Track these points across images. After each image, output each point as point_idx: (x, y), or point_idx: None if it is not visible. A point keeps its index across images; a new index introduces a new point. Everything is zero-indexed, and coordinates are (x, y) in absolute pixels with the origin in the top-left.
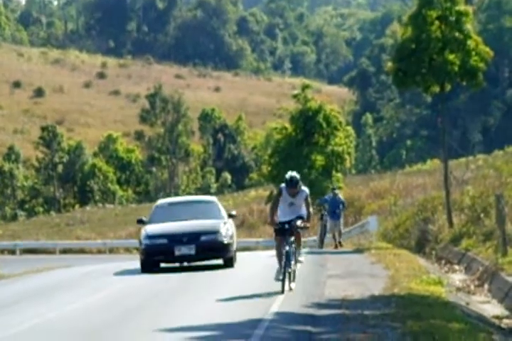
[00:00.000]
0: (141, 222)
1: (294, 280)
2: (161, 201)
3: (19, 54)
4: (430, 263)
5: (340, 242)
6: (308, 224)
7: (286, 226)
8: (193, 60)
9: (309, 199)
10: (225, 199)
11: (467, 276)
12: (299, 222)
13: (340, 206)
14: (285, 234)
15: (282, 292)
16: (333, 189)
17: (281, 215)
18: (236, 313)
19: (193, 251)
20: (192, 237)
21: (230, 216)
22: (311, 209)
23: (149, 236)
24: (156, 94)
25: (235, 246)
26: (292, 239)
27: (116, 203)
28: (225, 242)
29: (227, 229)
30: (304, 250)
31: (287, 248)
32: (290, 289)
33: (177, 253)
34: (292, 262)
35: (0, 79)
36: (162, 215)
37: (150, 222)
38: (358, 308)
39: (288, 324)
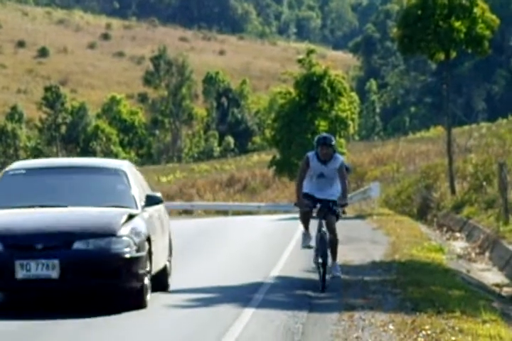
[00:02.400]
0: None
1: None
2: (16, 164)
3: (24, 13)
4: (431, 230)
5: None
6: (345, 200)
7: (318, 205)
8: (197, 23)
9: (344, 169)
10: (228, 163)
11: (468, 244)
12: (330, 216)
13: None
14: (311, 210)
15: (322, 290)
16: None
17: (307, 187)
18: (237, 276)
19: (55, 273)
20: (55, 243)
21: (150, 201)
22: (346, 181)
23: None
24: (161, 57)
25: (158, 264)
26: (324, 224)
27: None
28: (126, 256)
29: (134, 229)
30: None
31: (322, 231)
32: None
33: (20, 274)
34: (327, 254)
35: (4, 39)
36: (11, 193)
37: None
38: (358, 274)
39: (288, 288)
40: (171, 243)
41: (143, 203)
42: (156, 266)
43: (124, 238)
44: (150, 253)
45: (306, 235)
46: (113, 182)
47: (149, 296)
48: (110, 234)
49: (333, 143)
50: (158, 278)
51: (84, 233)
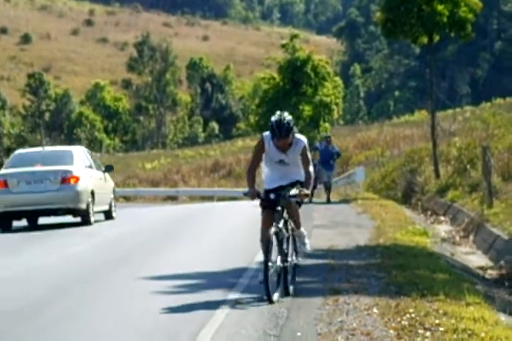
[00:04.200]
0: None
1: (293, 281)
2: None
3: None
4: (416, 214)
5: (329, 198)
6: (308, 191)
7: (272, 196)
8: (181, 9)
9: (308, 152)
10: (213, 148)
11: (452, 227)
12: (293, 191)
13: (334, 156)
14: (274, 208)
15: (270, 301)
16: (327, 137)
17: (268, 180)
18: (221, 262)
19: None
20: None
21: None
22: (311, 168)
23: None
24: (144, 43)
25: None
26: (285, 214)
27: (103, 152)
28: None
29: None
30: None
31: (278, 228)
32: (288, 293)
33: None
34: (289, 250)
35: None
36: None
37: None
38: (343, 258)
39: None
40: None
41: None
42: None
43: None
44: None
45: (266, 264)
46: None
47: None
48: None
49: (292, 129)
50: None
51: None
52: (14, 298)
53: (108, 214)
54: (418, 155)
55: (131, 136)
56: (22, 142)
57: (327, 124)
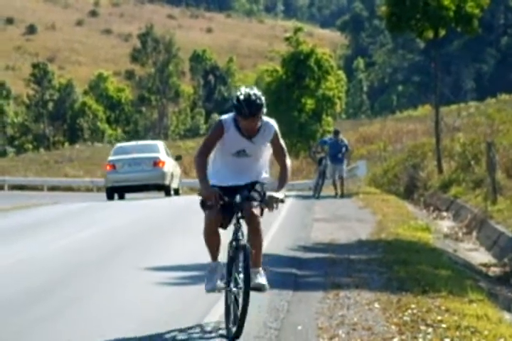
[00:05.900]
0: None
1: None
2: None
3: None
4: (418, 209)
5: (342, 193)
6: (281, 195)
7: (238, 199)
8: (185, 1)
9: (281, 140)
10: None
11: (455, 223)
12: (255, 195)
13: (343, 149)
14: (230, 213)
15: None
16: (336, 131)
17: (221, 175)
18: (221, 255)
19: None
20: None
21: None
22: (288, 161)
23: None
24: (148, 34)
25: None
26: (245, 223)
27: (105, 142)
28: None
29: None
30: (291, 193)
31: (241, 242)
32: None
33: None
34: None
35: None
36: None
37: None
38: (344, 252)
39: (274, 266)
40: None
41: None
42: None
43: None
44: None
45: (213, 270)
46: None
47: None
48: None
49: (263, 106)
50: None
51: None
52: (11, 286)
53: (176, 191)
54: (421, 150)
55: (134, 126)
56: (25, 131)
57: (329, 118)
